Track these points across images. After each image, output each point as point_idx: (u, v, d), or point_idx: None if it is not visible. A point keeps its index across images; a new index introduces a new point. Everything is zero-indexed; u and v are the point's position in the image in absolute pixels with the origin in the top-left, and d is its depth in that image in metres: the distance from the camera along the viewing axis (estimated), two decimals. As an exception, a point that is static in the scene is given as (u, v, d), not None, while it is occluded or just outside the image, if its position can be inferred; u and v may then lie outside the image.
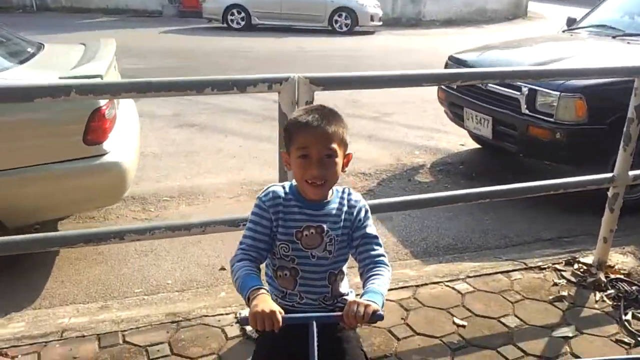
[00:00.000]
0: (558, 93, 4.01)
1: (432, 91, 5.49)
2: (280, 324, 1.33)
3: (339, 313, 1.38)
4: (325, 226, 1.55)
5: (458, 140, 6.02)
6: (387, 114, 7.10)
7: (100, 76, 3.09)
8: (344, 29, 15.41)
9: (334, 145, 1.48)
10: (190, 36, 14.41)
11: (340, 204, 1.60)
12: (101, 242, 2.20)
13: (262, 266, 1.61)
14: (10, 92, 1.92)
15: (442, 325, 2.63)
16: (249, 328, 2.41)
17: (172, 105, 7.00)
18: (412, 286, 2.94)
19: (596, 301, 2.87)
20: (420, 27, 18.08)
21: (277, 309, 1.35)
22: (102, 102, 3.02)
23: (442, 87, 5.23)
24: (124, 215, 4.13)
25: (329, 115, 1.51)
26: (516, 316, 2.72)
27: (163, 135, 6.00)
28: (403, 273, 3.19)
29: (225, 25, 15.44)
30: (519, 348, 2.49)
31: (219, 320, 2.60)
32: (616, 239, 3.20)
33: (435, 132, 6.37)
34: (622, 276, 3.05)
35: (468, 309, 2.76)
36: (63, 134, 3.03)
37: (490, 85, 4.52)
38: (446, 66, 5.24)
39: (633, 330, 2.63)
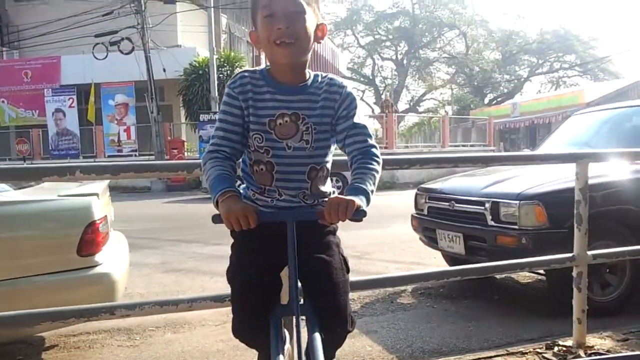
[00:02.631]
0: (517, 202, 4.38)
1: (408, 232, 5.88)
2: (256, 220, 1.25)
3: (320, 209, 1.32)
4: (300, 113, 1.40)
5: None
6: (367, 252, 7.37)
7: (97, 194, 3.40)
8: (336, 192, 16.13)
9: (301, 1, 1.34)
10: (182, 204, 14.98)
11: (318, 88, 1.45)
12: (92, 318, 2.30)
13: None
14: (24, 172, 2.21)
15: (429, 401, 2.64)
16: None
17: (159, 255, 7.20)
18: (398, 373, 2.97)
19: (579, 375, 2.92)
20: (395, 189, 19.13)
21: (251, 207, 1.28)
22: (97, 217, 3.28)
23: (415, 215, 5.62)
24: (110, 344, 4.12)
25: None
26: (502, 391, 2.75)
27: (150, 279, 6.11)
28: (389, 367, 3.21)
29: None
30: (507, 415, 2.50)
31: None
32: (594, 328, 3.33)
33: (414, 265, 6.57)
34: (603, 351, 3.12)
35: (454, 388, 2.78)
36: (58, 246, 3.23)
37: (457, 205, 4.92)
38: (416, 197, 5.68)
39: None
